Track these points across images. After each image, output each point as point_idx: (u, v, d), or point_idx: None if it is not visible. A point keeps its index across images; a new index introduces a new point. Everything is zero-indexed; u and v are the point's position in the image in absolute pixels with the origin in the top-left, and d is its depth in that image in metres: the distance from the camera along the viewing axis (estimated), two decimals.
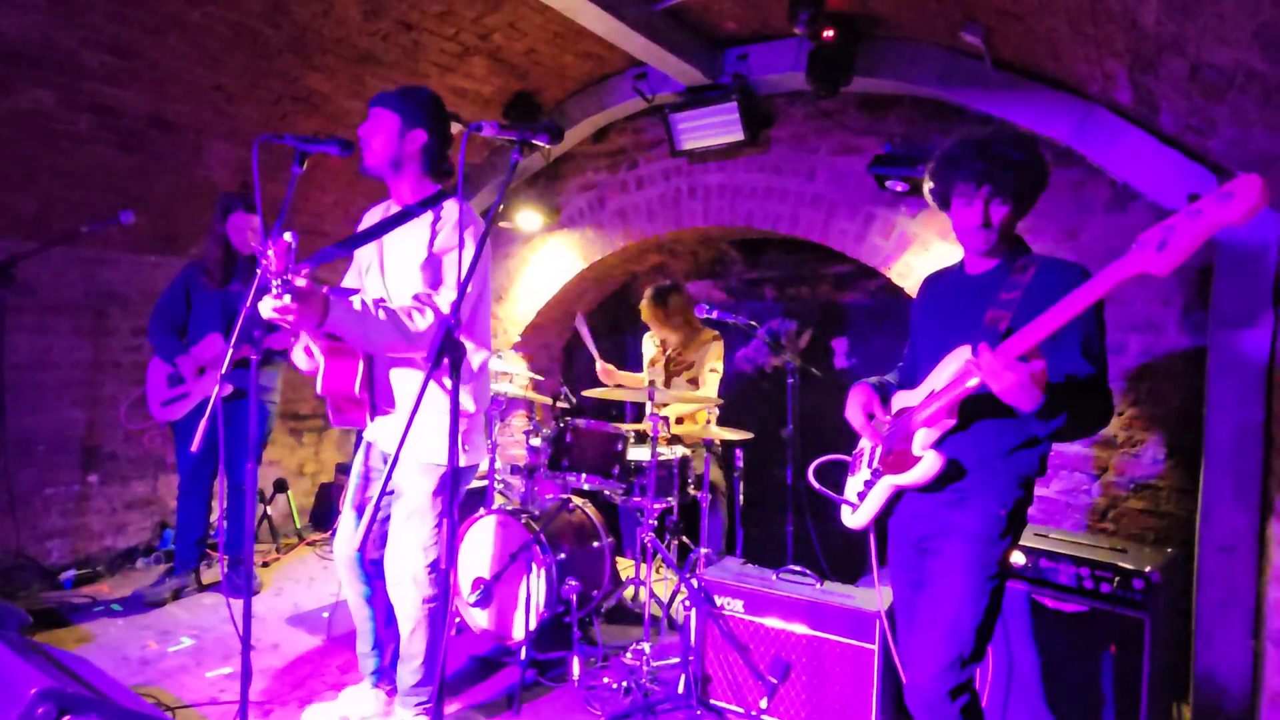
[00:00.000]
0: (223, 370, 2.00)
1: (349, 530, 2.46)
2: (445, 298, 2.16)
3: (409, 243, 2.28)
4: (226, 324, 3.49)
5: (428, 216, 2.27)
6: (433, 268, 2.21)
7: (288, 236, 1.80)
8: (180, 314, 3.57)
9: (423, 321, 2.11)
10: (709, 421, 3.74)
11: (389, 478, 1.74)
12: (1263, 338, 2.62)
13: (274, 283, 1.82)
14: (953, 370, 1.76)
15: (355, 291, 2.20)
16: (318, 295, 1.92)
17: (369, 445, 2.47)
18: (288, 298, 1.84)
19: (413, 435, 2.25)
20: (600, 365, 4.10)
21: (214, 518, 3.88)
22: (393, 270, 2.33)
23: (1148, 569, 2.35)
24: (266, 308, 1.88)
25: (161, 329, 3.55)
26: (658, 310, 4.00)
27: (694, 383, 4.11)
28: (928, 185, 1.90)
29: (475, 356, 2.37)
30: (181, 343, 3.54)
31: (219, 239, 3.48)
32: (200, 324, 3.54)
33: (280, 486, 4.73)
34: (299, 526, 4.77)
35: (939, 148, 1.87)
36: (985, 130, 1.82)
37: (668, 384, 4.08)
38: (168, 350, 3.52)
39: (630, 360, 5.09)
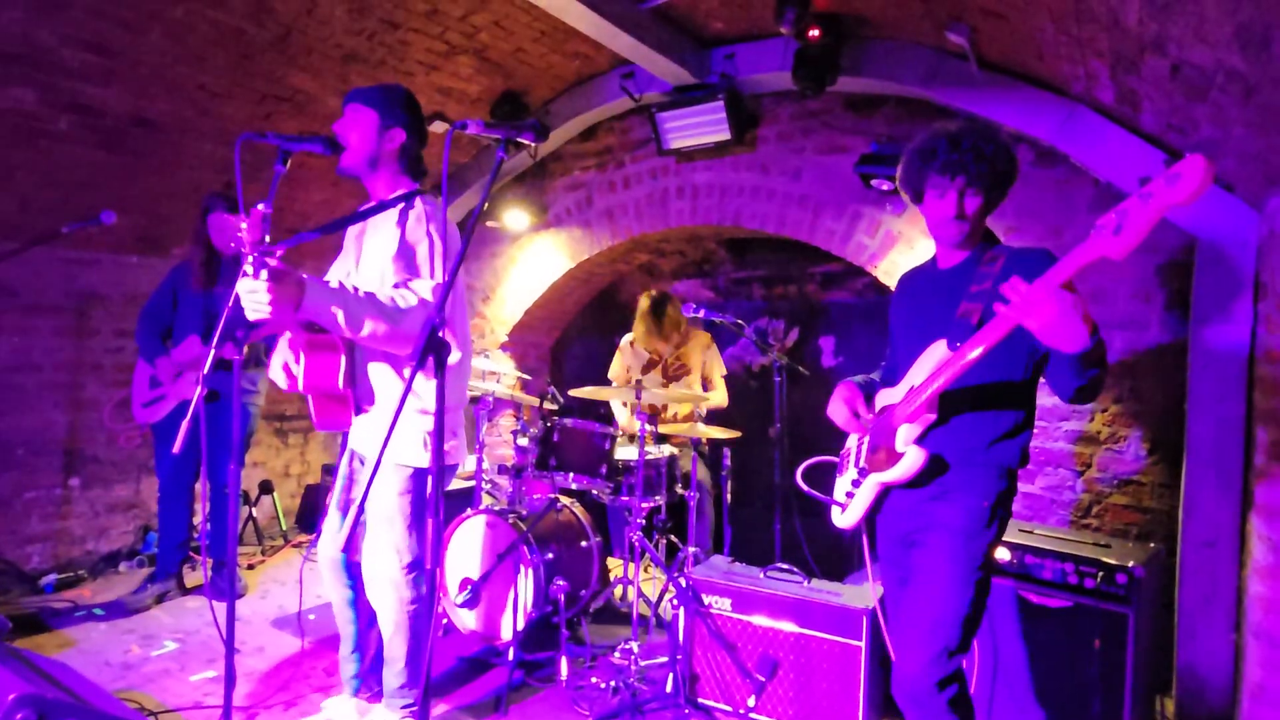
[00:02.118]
0: (204, 371, 1.98)
1: (333, 531, 2.44)
2: (423, 285, 2.14)
3: (381, 237, 2.26)
4: (207, 326, 3.47)
5: (398, 210, 2.25)
6: (406, 258, 2.19)
7: (261, 207, 1.77)
8: (167, 316, 3.57)
9: (404, 302, 2.08)
10: (697, 420, 3.73)
11: (371, 481, 1.72)
12: (1242, 334, 2.64)
13: (248, 260, 1.78)
14: (931, 365, 1.77)
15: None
16: (293, 275, 1.89)
17: (352, 448, 2.44)
18: (264, 275, 1.80)
19: (381, 437, 2.23)
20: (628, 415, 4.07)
21: (197, 520, 3.84)
22: (366, 263, 2.32)
23: (1131, 564, 2.37)
24: (243, 289, 1.83)
25: (147, 331, 3.56)
26: (653, 322, 3.99)
27: (691, 386, 4.12)
28: (900, 178, 1.91)
29: (451, 356, 2.34)
30: (164, 345, 3.54)
31: (201, 240, 3.47)
32: (184, 326, 3.53)
33: (265, 488, 4.69)
34: (284, 528, 4.73)
35: (911, 141, 1.88)
36: (956, 124, 1.83)
37: (668, 375, 4.09)
38: (149, 352, 3.53)
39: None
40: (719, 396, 4.14)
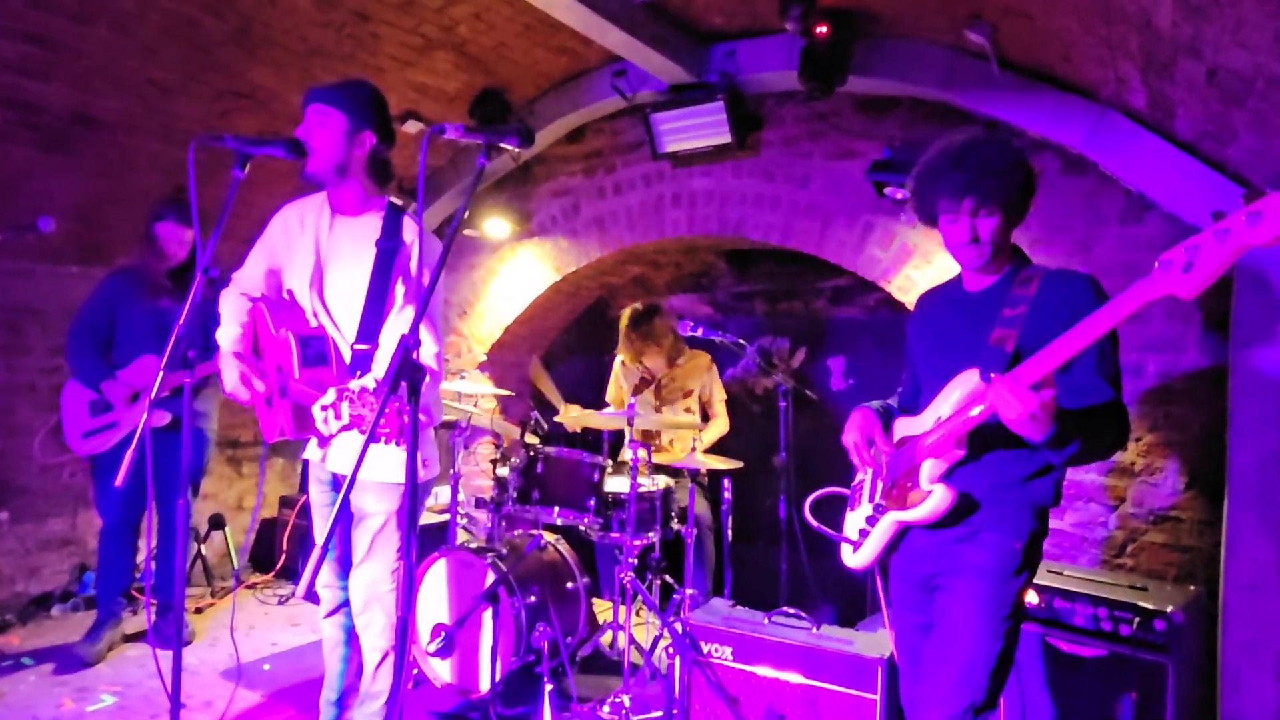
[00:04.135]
0: (152, 397, 1.96)
1: (329, 563, 2.49)
2: (428, 351, 2.18)
3: (361, 260, 2.29)
4: (160, 344, 3.38)
5: (375, 227, 2.29)
6: (420, 301, 2.22)
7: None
8: (104, 331, 3.46)
9: (429, 392, 2.22)
10: (694, 448, 3.73)
11: (346, 496, 1.72)
12: None
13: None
14: (960, 396, 1.77)
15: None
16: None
17: (331, 474, 2.45)
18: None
19: (369, 456, 2.25)
20: (564, 410, 4.10)
21: (141, 558, 3.78)
22: (336, 281, 2.32)
23: (1169, 609, 2.38)
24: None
25: (83, 348, 3.43)
26: (636, 340, 4.01)
27: (691, 410, 4.12)
28: (911, 203, 1.93)
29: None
30: (107, 365, 3.43)
31: (151, 250, 3.42)
32: (128, 343, 3.44)
33: (216, 523, 4.63)
34: (237, 567, 4.68)
35: (915, 164, 1.89)
36: (961, 137, 1.84)
37: (659, 411, 4.08)
38: (91, 374, 3.40)
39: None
40: (720, 425, 4.14)
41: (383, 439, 1.92)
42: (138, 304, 3.44)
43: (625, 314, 4.10)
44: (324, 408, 1.96)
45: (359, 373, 2.19)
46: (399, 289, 2.27)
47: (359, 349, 2.24)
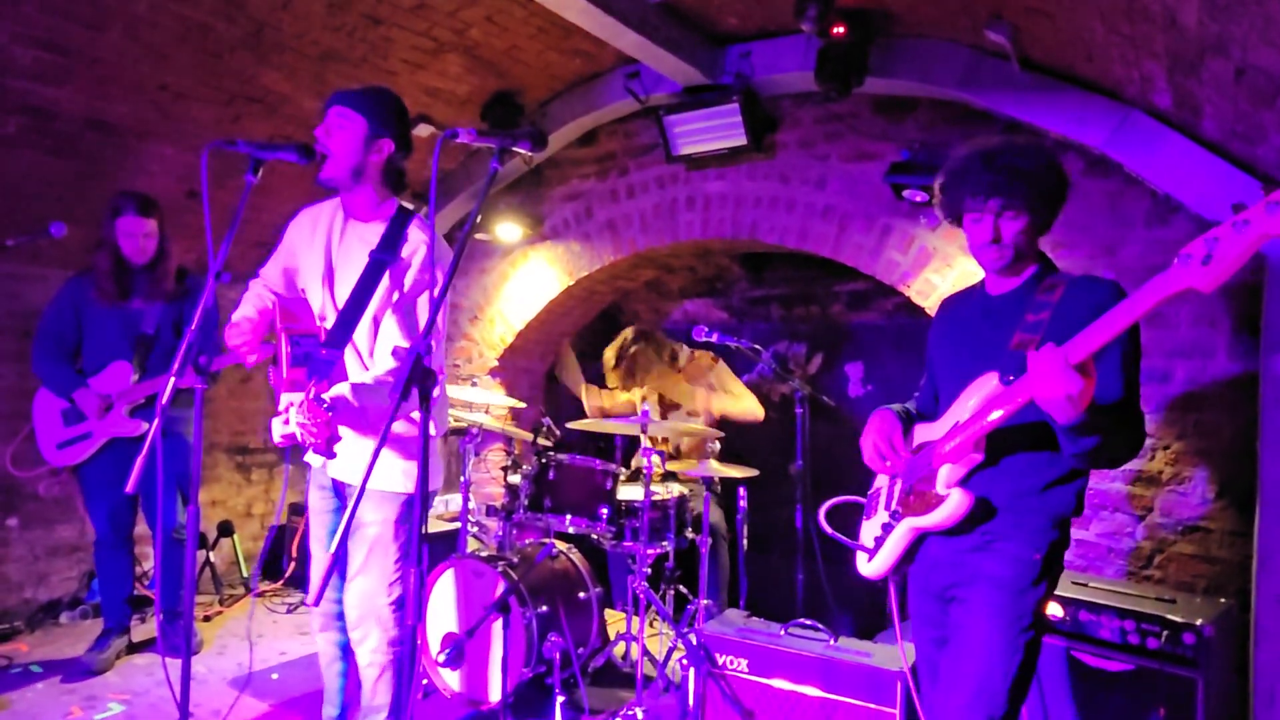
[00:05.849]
0: (164, 401, 1.98)
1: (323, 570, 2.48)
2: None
3: (364, 259, 2.31)
4: (131, 348, 3.36)
5: (382, 231, 2.31)
6: (405, 312, 2.26)
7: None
8: (71, 338, 3.41)
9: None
10: (709, 455, 3.73)
11: (354, 510, 1.73)
12: None
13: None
14: (979, 399, 1.78)
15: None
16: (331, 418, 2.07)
17: (333, 480, 2.46)
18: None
19: (366, 462, 2.27)
20: (585, 390, 4.12)
21: (148, 565, 3.81)
22: (344, 280, 2.35)
23: (1199, 622, 2.36)
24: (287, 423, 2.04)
25: (51, 355, 3.37)
26: (623, 379, 4.05)
27: (695, 413, 4.13)
28: (938, 201, 1.95)
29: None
30: (77, 373, 3.39)
31: (109, 247, 3.33)
32: (97, 349, 3.39)
33: (225, 530, 4.68)
34: (245, 575, 4.72)
35: (946, 160, 1.91)
36: (992, 140, 1.87)
37: (665, 416, 4.09)
38: (62, 382, 3.35)
39: None
40: (748, 404, 4.17)
41: (310, 445, 1.96)
42: (105, 308, 3.38)
43: (609, 353, 4.14)
44: (278, 413, 1.99)
45: (315, 378, 2.17)
46: (390, 300, 2.28)
47: (323, 354, 2.23)
